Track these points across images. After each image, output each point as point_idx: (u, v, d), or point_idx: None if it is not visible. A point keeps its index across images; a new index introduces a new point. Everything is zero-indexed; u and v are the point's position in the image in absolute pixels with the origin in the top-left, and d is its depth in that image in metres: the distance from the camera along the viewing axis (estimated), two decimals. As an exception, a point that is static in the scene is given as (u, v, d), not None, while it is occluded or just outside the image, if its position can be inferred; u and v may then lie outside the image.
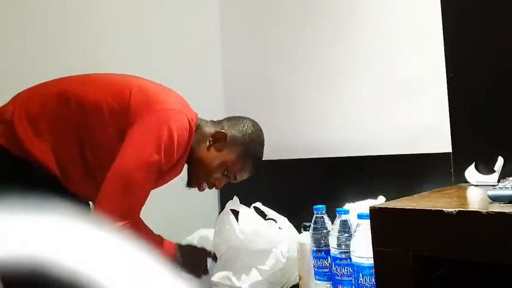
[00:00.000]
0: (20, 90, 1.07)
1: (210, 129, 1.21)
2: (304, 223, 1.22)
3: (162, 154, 1.02)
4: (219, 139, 1.19)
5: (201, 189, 1.23)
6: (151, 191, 1.09)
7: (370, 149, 1.53)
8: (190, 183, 1.23)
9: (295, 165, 1.71)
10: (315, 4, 1.73)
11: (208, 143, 1.19)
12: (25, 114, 1.00)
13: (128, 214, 1.01)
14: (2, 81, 1.07)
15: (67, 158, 1.02)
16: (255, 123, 1.27)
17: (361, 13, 1.59)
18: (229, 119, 1.27)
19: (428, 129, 1.39)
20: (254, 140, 1.23)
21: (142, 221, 1.11)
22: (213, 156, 1.19)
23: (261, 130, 1.28)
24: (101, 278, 0.28)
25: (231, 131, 1.21)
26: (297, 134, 1.72)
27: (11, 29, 1.34)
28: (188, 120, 1.09)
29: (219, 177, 1.21)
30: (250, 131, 1.23)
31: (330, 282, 1.11)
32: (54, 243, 0.28)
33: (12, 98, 1.05)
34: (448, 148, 1.27)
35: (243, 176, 1.24)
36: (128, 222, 1.00)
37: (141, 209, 1.07)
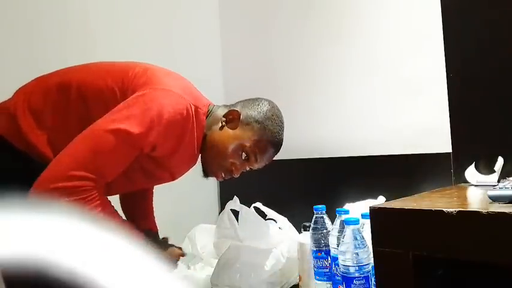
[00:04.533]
0: (16, 89, 1.04)
1: (222, 112, 1.12)
2: (304, 223, 1.22)
3: (142, 129, 0.91)
4: (232, 119, 1.10)
5: (218, 177, 1.14)
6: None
7: (370, 149, 1.53)
8: (205, 172, 1.14)
9: (295, 165, 1.71)
10: (314, 4, 1.73)
11: (220, 124, 1.10)
12: (28, 106, 0.98)
13: (88, 169, 0.87)
14: (2, 82, 1.07)
15: None
16: (271, 102, 1.17)
17: (361, 13, 1.59)
18: (243, 100, 1.17)
19: (428, 129, 1.39)
20: (271, 118, 1.12)
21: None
22: (226, 136, 1.09)
23: (279, 110, 1.17)
24: (101, 278, 0.28)
25: (245, 110, 1.12)
26: (297, 134, 1.72)
27: (9, 30, 1.34)
28: (187, 106, 0.99)
29: (236, 162, 1.11)
30: (266, 109, 1.13)
31: (330, 282, 1.11)
32: (55, 243, 0.28)
33: (16, 91, 1.03)
34: (448, 148, 1.27)
35: (263, 158, 1.13)
36: (87, 177, 0.87)
37: (108, 178, 0.93)
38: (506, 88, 1.16)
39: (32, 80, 1.05)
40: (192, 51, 1.89)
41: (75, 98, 0.99)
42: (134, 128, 0.91)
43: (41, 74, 1.06)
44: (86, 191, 0.87)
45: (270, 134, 1.11)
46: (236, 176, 1.14)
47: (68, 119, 0.99)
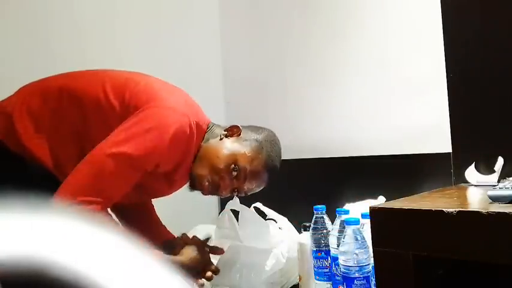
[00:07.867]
0: (14, 89, 1.04)
1: (221, 130, 1.14)
2: (304, 223, 1.22)
3: (143, 151, 0.92)
4: (232, 133, 1.13)
5: (204, 189, 1.10)
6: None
7: (370, 149, 1.52)
8: (193, 184, 1.12)
9: (295, 165, 1.71)
10: (314, 4, 1.73)
11: (220, 137, 1.11)
12: (26, 109, 0.97)
13: (94, 193, 0.89)
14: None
15: (66, 156, 0.98)
16: (273, 132, 1.20)
17: (361, 13, 1.59)
18: (244, 126, 1.19)
19: (428, 129, 1.39)
20: (270, 142, 1.15)
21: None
22: (222, 146, 1.09)
23: (279, 141, 1.20)
24: (101, 278, 0.28)
25: (246, 130, 1.15)
26: (297, 134, 1.72)
27: (3, 27, 1.34)
28: (190, 124, 1.00)
29: (224, 175, 1.08)
30: (267, 134, 1.17)
31: (330, 282, 1.11)
32: (53, 243, 0.28)
33: (16, 92, 1.02)
34: (448, 148, 1.27)
35: (253, 178, 1.11)
36: (94, 201, 0.89)
37: (115, 199, 0.95)
38: (506, 88, 1.16)
39: (30, 83, 1.03)
40: (192, 49, 1.89)
41: (74, 107, 0.99)
42: (136, 150, 0.92)
43: (36, 73, 1.05)
44: (94, 214, 0.88)
45: (265, 154, 1.12)
46: (222, 194, 1.13)
47: (64, 127, 0.98)
